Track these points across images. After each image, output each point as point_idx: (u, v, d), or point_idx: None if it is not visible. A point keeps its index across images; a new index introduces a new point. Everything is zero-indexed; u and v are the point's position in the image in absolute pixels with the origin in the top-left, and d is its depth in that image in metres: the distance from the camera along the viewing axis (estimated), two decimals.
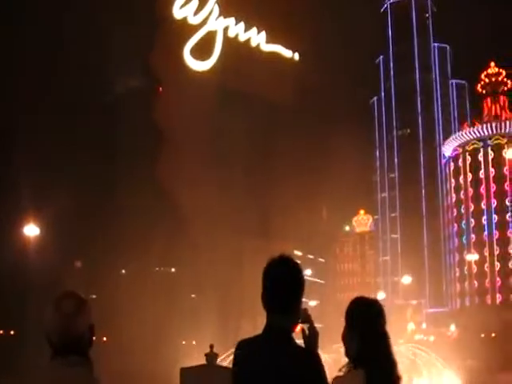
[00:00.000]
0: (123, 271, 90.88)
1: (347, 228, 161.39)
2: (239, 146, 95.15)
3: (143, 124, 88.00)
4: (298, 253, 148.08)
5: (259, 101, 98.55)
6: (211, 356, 18.69)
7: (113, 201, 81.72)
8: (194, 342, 63.41)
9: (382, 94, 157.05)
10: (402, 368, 4.37)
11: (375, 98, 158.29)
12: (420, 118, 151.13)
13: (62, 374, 3.48)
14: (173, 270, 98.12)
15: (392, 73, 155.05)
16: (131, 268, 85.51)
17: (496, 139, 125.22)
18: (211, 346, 18.95)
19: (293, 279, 3.81)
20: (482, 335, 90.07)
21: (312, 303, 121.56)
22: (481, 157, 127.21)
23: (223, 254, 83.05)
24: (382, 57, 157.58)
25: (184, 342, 69.04)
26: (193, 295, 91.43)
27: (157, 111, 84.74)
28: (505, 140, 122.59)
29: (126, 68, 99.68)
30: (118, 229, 75.21)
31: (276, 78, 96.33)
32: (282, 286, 3.76)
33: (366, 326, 4.27)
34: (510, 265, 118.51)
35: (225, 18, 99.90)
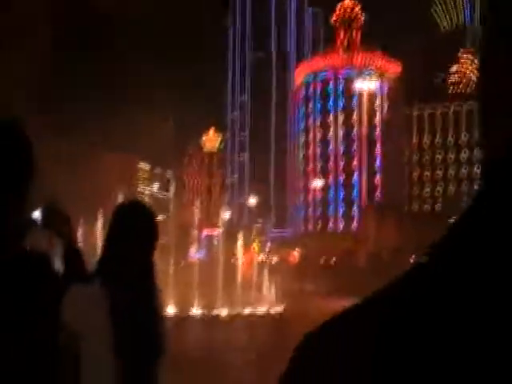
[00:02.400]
0: None
1: (197, 145, 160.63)
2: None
3: None
4: (145, 166, 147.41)
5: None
6: None
7: None
8: None
9: (238, 14, 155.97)
10: None
11: (231, 18, 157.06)
12: (273, 43, 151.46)
13: None
14: None
15: None
16: None
17: (347, 70, 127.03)
18: None
19: None
20: (322, 260, 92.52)
21: (159, 218, 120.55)
22: (331, 86, 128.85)
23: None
24: None
25: None
26: None
27: None
28: (354, 72, 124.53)
29: None
30: None
31: None
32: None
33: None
34: (353, 193, 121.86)
35: None
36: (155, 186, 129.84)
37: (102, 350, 2.80)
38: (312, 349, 0.66)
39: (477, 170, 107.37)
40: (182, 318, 29.68)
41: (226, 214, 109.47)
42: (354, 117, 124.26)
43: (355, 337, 0.63)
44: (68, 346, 2.71)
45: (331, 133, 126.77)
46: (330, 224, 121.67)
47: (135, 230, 2.99)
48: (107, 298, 2.85)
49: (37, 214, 2.69)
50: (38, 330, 2.49)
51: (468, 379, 0.57)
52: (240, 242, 58.50)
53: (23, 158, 2.49)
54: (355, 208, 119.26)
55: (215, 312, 36.71)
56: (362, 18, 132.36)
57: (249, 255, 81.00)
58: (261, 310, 40.36)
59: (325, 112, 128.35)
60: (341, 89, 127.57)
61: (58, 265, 2.86)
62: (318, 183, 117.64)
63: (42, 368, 2.51)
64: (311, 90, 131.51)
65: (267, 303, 42.98)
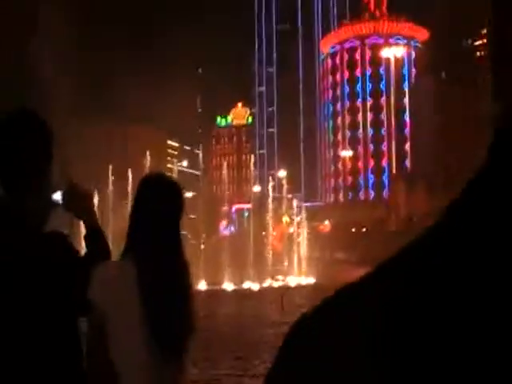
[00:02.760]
0: None
1: (225, 120, 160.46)
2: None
3: None
4: (174, 143, 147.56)
5: None
6: None
7: None
8: None
9: None
10: None
11: None
12: (300, 14, 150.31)
13: None
14: None
15: None
16: None
17: (373, 39, 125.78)
18: None
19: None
20: (353, 230, 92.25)
21: (188, 194, 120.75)
22: (358, 55, 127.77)
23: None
24: None
25: None
26: None
27: None
28: (382, 40, 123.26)
29: None
30: None
31: None
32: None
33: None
34: (382, 162, 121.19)
35: None
36: (185, 163, 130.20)
37: (132, 328, 2.82)
38: (306, 330, 0.59)
39: None
40: (214, 292, 29.79)
41: (255, 188, 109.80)
42: (382, 85, 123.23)
43: (356, 316, 0.57)
44: (97, 323, 2.74)
45: (359, 101, 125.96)
46: (361, 193, 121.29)
47: (160, 202, 2.99)
48: (135, 274, 2.86)
49: (58, 196, 2.73)
50: (61, 308, 2.54)
51: (483, 352, 0.49)
52: (270, 216, 58.42)
53: (44, 144, 2.58)
54: (385, 177, 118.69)
55: (246, 285, 36.76)
56: None
57: (279, 228, 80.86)
58: (292, 282, 40.43)
59: (352, 81, 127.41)
60: (368, 57, 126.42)
61: (80, 245, 2.89)
62: (347, 153, 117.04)
63: (67, 346, 2.56)
64: (338, 59, 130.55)
65: (299, 275, 43.01)
